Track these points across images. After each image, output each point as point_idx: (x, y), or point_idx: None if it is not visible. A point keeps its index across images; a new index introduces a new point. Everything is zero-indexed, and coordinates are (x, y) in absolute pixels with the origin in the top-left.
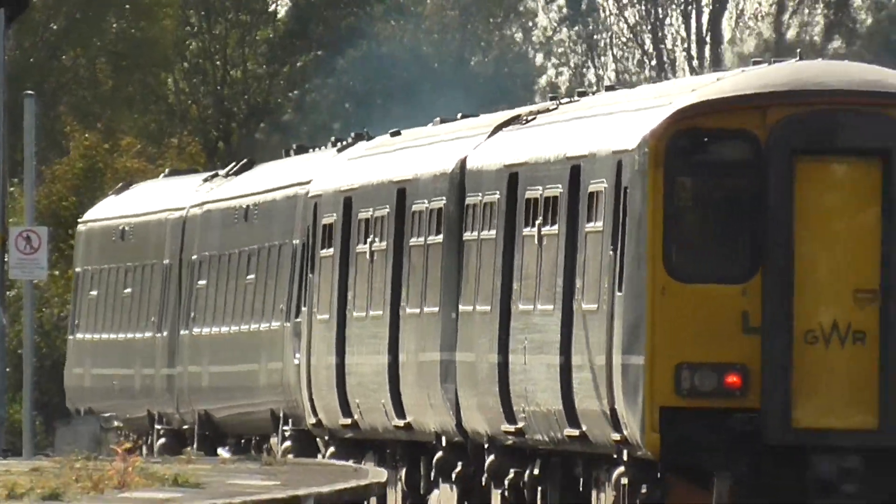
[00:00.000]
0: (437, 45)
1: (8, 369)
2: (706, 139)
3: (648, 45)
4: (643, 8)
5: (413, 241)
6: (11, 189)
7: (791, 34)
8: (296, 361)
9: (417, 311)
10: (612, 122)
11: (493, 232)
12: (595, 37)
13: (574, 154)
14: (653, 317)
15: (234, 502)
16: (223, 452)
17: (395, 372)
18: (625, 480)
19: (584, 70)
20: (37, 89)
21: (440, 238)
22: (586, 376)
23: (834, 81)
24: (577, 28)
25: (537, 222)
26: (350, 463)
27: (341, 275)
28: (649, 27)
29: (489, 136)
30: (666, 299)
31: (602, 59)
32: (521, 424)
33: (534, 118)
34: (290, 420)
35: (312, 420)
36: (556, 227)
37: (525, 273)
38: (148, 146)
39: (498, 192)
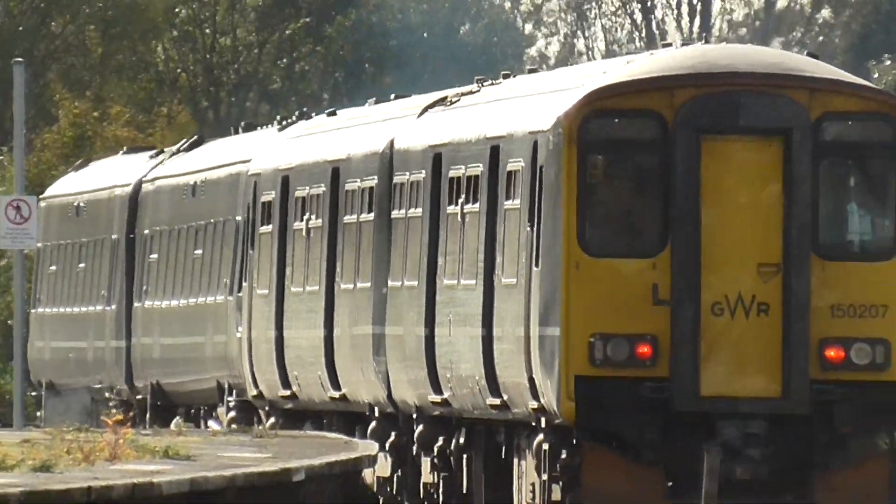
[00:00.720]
0: (427, 13)
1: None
2: (616, 119)
3: (638, 16)
4: None
5: (346, 218)
6: (0, 158)
7: (781, 4)
8: (238, 334)
9: (351, 286)
10: (530, 104)
11: (420, 210)
12: (584, 7)
13: (493, 134)
14: (567, 290)
15: (225, 475)
16: (214, 425)
17: (331, 345)
18: (545, 447)
19: (574, 40)
20: (26, 56)
21: (371, 216)
22: (506, 347)
23: (738, 64)
24: None
25: (460, 200)
26: (342, 436)
27: (279, 251)
28: None
29: (417, 117)
30: (580, 273)
31: (591, 29)
32: (446, 395)
33: (458, 100)
34: (234, 391)
35: (254, 391)
36: (477, 204)
37: (449, 249)
38: (138, 115)
39: (423, 172)
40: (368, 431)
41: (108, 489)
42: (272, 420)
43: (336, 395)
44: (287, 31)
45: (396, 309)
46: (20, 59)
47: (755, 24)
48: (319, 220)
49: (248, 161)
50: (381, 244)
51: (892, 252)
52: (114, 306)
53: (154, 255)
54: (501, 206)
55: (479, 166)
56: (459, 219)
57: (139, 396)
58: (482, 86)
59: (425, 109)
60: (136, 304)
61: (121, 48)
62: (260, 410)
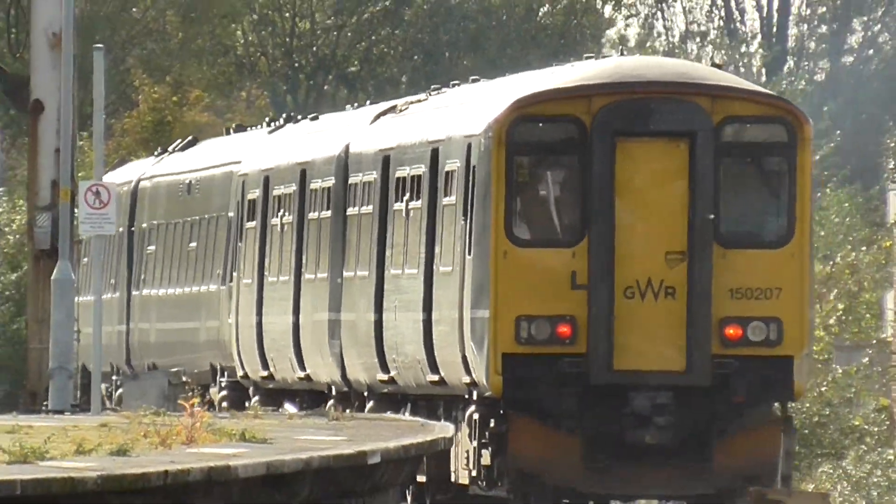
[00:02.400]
0: None
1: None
2: (540, 124)
3: None
4: None
5: (311, 215)
6: (81, 143)
7: None
8: (229, 321)
9: (313, 276)
10: (466, 111)
11: (370, 207)
12: None
13: (434, 138)
14: (496, 277)
15: (301, 457)
16: (290, 407)
17: (297, 330)
18: (475, 417)
19: (654, 21)
20: (106, 42)
21: (329, 213)
22: (443, 329)
23: (649, 74)
24: None
25: (405, 198)
26: (417, 419)
27: (261, 244)
28: None
29: (370, 124)
30: (507, 261)
31: (671, 10)
32: (393, 373)
33: (407, 108)
34: (225, 372)
35: (241, 372)
36: (419, 201)
37: (396, 242)
38: (217, 99)
39: (374, 173)
40: (326, 408)
41: (184, 473)
42: (255, 399)
43: (302, 375)
44: (365, 15)
45: (350, 297)
46: (100, 45)
47: (836, 3)
48: (290, 217)
49: (238, 162)
50: (338, 238)
51: (785, 241)
52: (118, 293)
53: (152, 247)
54: (440, 203)
55: (421, 167)
56: (404, 214)
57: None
58: (430, 95)
59: (377, 116)
60: (134, 293)
61: (200, 33)
62: (249, 389)
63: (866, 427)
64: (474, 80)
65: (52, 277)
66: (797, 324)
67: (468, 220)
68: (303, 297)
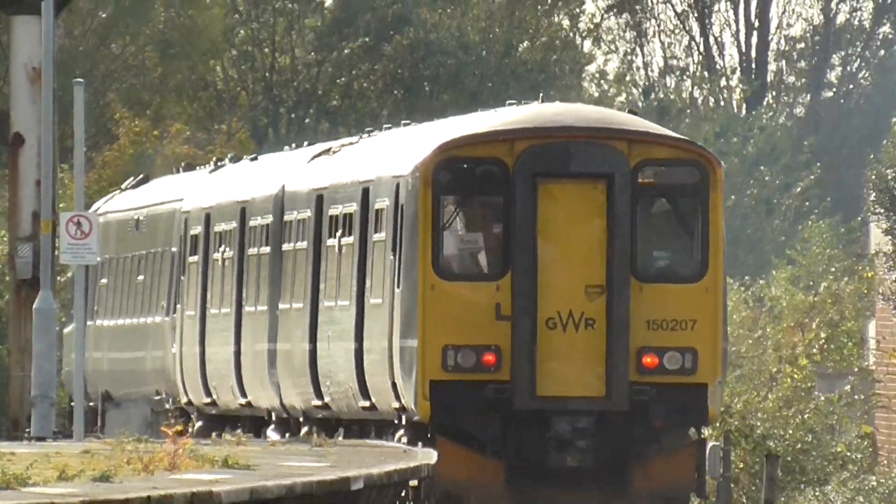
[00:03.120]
0: (485, 31)
1: (58, 353)
2: (465, 165)
3: (696, 32)
4: None
5: (250, 251)
6: (62, 175)
7: (840, 19)
8: (173, 350)
9: (253, 309)
10: (396, 153)
11: (305, 243)
12: (643, 24)
13: (365, 178)
14: (423, 308)
15: (284, 483)
16: (272, 435)
17: (239, 360)
18: (404, 440)
19: (633, 57)
20: (86, 76)
21: (268, 249)
22: (374, 358)
23: (568, 119)
24: (624, 15)
25: (337, 234)
26: (401, 445)
27: (203, 278)
28: (697, 14)
29: (306, 164)
30: (434, 294)
31: (650, 45)
32: (327, 399)
33: (340, 150)
34: (171, 399)
35: (185, 399)
36: (351, 237)
37: (329, 276)
38: (197, 133)
39: (308, 211)
40: (266, 433)
41: (167, 498)
42: (199, 424)
43: (243, 401)
44: (345, 50)
45: (286, 328)
46: (80, 80)
47: (814, 39)
48: (231, 252)
49: (181, 200)
50: (275, 272)
51: (699, 276)
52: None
53: (104, 280)
54: (371, 239)
55: (353, 205)
56: (337, 250)
57: (91, 403)
58: (361, 137)
59: (313, 158)
60: (88, 323)
61: (180, 68)
62: (192, 416)
63: (849, 454)
64: (406, 124)
65: (34, 307)
66: (711, 354)
67: (397, 255)
68: (244, 328)
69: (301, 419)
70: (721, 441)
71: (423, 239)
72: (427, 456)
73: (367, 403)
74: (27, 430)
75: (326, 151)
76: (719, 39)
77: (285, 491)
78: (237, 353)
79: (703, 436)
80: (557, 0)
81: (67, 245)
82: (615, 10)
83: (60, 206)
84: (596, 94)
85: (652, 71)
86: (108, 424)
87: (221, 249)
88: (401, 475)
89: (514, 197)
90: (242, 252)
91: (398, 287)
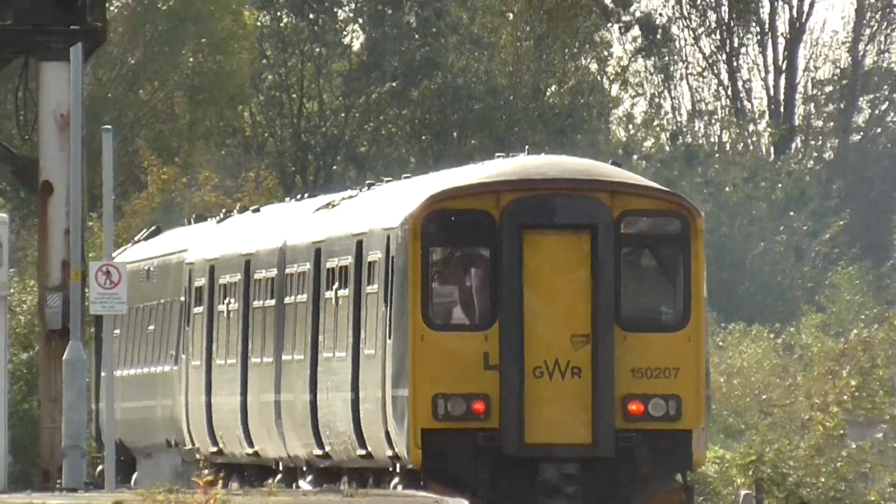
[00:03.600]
0: (512, 76)
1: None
2: (452, 217)
3: (724, 75)
4: (718, 37)
5: (255, 303)
6: (91, 223)
7: (868, 61)
8: (180, 399)
9: (259, 360)
10: (388, 206)
11: (305, 295)
12: (671, 67)
13: (358, 231)
14: (414, 358)
15: None
16: (304, 485)
17: (245, 410)
18: (399, 488)
19: (661, 100)
20: (115, 123)
21: (273, 301)
22: (369, 407)
23: (552, 171)
24: (652, 59)
25: (334, 286)
26: (430, 494)
27: (208, 329)
28: (725, 56)
29: (307, 217)
30: (424, 344)
31: (678, 88)
32: (327, 449)
33: (339, 203)
34: (179, 447)
35: (191, 447)
36: (347, 289)
37: (327, 327)
38: (225, 180)
39: (308, 264)
40: (273, 483)
41: None
42: (205, 472)
43: (250, 451)
44: (373, 96)
45: (289, 378)
46: (109, 126)
47: (841, 83)
48: (236, 304)
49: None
50: (280, 324)
51: (681, 324)
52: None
53: (117, 331)
54: (364, 291)
55: (348, 258)
56: (334, 302)
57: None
58: (360, 191)
59: (315, 211)
60: (102, 373)
61: (208, 114)
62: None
63: (882, 502)
64: (406, 178)
65: (63, 357)
66: (694, 400)
67: (388, 307)
68: (250, 378)
69: (304, 468)
70: (753, 489)
71: (413, 290)
72: None
73: (363, 452)
74: (59, 481)
75: (327, 205)
76: (747, 82)
77: None
78: (244, 404)
79: (687, 481)
80: (585, 44)
81: (97, 295)
82: (643, 53)
83: (90, 255)
84: (623, 138)
85: (680, 115)
86: (139, 474)
87: (226, 301)
88: None
89: (501, 248)
90: (247, 304)
91: (389, 338)
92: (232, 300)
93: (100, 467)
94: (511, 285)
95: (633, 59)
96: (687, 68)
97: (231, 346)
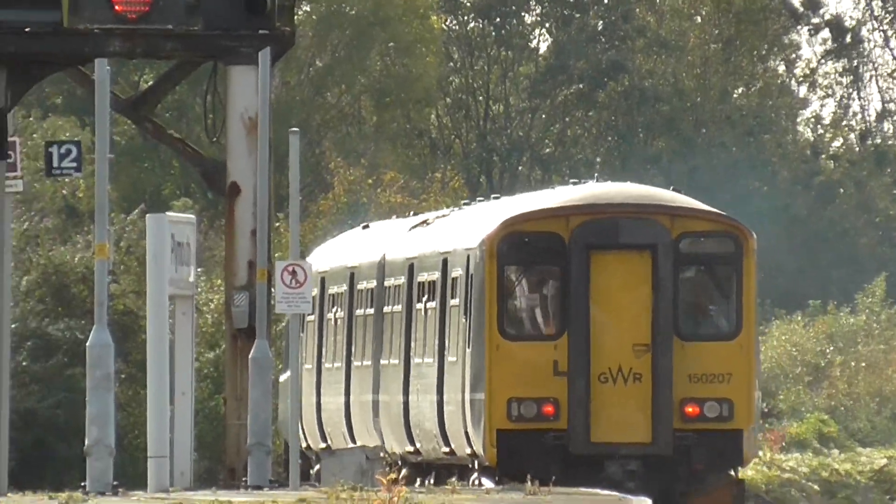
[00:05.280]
0: (700, 78)
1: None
2: (526, 239)
3: None
4: None
5: (358, 311)
6: (277, 224)
7: None
8: None
9: (360, 363)
10: (470, 227)
11: (400, 306)
12: (860, 68)
13: (444, 250)
14: (490, 365)
15: None
16: (487, 482)
17: (349, 409)
18: (477, 483)
19: (849, 102)
20: (302, 126)
21: (372, 310)
22: (451, 409)
23: (617, 197)
24: (842, 61)
25: (424, 299)
26: (615, 493)
27: (318, 335)
28: None
29: (406, 234)
30: (499, 353)
31: (867, 89)
32: (418, 445)
33: (433, 222)
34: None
35: (304, 444)
36: (434, 302)
37: (418, 336)
38: (411, 181)
39: (403, 277)
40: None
41: None
42: (317, 467)
43: (353, 446)
44: (559, 98)
45: (385, 381)
46: (296, 129)
47: None
48: (342, 312)
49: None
50: (378, 332)
51: (734, 335)
52: None
53: None
54: (448, 304)
55: (435, 273)
56: (423, 313)
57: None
58: (453, 211)
59: (412, 228)
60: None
61: (395, 117)
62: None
63: None
64: (495, 198)
65: (250, 356)
66: (745, 403)
67: (468, 319)
68: (353, 381)
69: (399, 462)
70: None
71: (490, 304)
72: (642, 503)
73: (447, 449)
74: (244, 479)
75: (423, 222)
76: None
77: None
78: (346, 403)
79: (739, 476)
80: (773, 46)
81: (282, 294)
82: (832, 56)
83: (276, 255)
84: (811, 139)
85: (868, 115)
86: (323, 473)
87: (334, 310)
88: None
89: (570, 266)
90: (351, 313)
91: (469, 347)
92: (338, 309)
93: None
94: (579, 300)
95: (821, 61)
96: (876, 70)
97: (337, 351)
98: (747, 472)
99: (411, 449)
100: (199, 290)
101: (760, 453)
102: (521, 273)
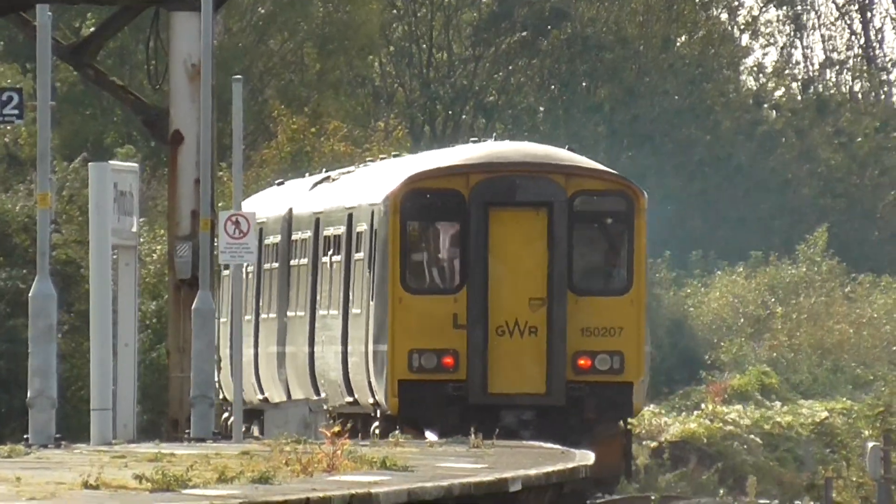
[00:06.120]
0: (642, 26)
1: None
2: (427, 195)
3: (857, 25)
4: None
5: (265, 265)
6: (220, 173)
7: None
8: None
9: (267, 316)
10: (374, 183)
11: (306, 259)
12: (802, 17)
13: (349, 205)
14: (392, 317)
15: (442, 485)
16: (430, 435)
17: (256, 361)
18: (377, 431)
19: (791, 49)
20: (244, 73)
21: (277, 264)
22: (355, 360)
23: (514, 155)
24: (784, 8)
25: (329, 253)
26: (558, 446)
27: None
28: (857, 6)
29: (310, 190)
30: (402, 305)
31: (810, 38)
32: (323, 395)
33: (338, 178)
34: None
35: (221, 396)
36: (339, 256)
37: (323, 289)
38: (354, 130)
39: (309, 231)
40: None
41: (326, 500)
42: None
43: (261, 397)
44: (502, 46)
45: (292, 333)
46: (238, 77)
47: None
48: (251, 267)
49: None
50: (283, 285)
51: (625, 290)
52: None
53: None
54: (353, 258)
55: (341, 228)
56: (329, 266)
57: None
58: (357, 167)
59: (315, 184)
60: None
61: (337, 64)
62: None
63: None
64: (395, 156)
65: (192, 307)
66: (635, 356)
67: (372, 272)
68: (260, 333)
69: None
70: (881, 441)
71: (392, 258)
72: (585, 457)
73: (350, 399)
74: (187, 431)
75: (327, 179)
76: (880, 32)
77: (443, 493)
78: (255, 356)
79: (629, 427)
80: None
81: (226, 244)
82: (774, 3)
83: (219, 205)
84: (754, 88)
85: (811, 64)
86: (266, 425)
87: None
88: (559, 476)
89: (469, 223)
90: (259, 266)
91: (372, 300)
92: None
93: (224, 415)
94: (477, 255)
95: (763, 9)
96: (819, 18)
97: (249, 304)
98: (689, 426)
99: (315, 398)
100: (142, 239)
101: (703, 406)
102: (423, 228)
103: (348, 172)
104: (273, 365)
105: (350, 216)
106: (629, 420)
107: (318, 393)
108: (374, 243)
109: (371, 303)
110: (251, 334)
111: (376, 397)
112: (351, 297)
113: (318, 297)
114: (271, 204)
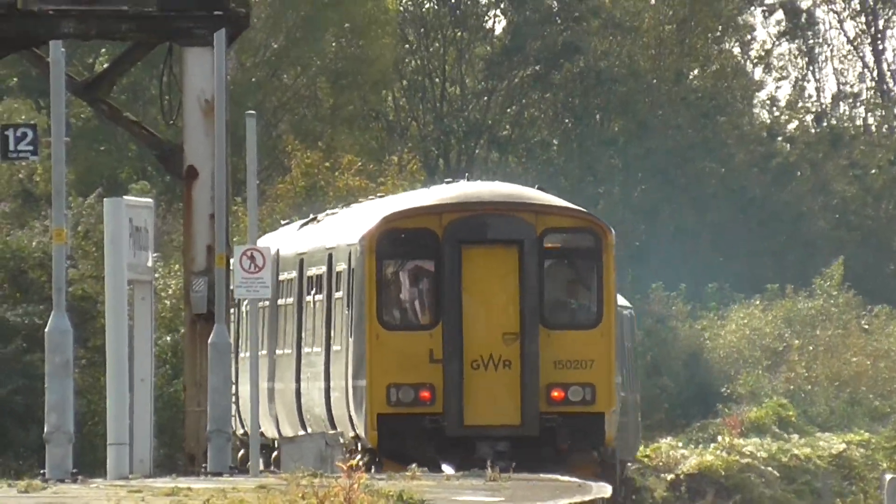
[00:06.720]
0: (655, 59)
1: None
2: (402, 235)
3: (869, 57)
4: (863, 20)
5: (260, 304)
6: (235, 208)
7: None
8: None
9: (263, 353)
10: (352, 224)
11: (292, 299)
12: (815, 50)
13: (329, 245)
14: (370, 353)
15: None
16: (447, 468)
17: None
18: (361, 463)
19: (805, 83)
20: (258, 108)
21: (268, 304)
22: (337, 395)
23: (486, 195)
24: (796, 42)
25: (312, 292)
26: (575, 479)
27: (237, 327)
28: (869, 39)
29: (297, 231)
30: (379, 342)
31: (822, 71)
32: (309, 430)
33: (323, 219)
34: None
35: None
36: (321, 295)
37: (307, 327)
38: (369, 164)
39: (294, 272)
40: (271, 459)
41: None
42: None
43: (262, 430)
44: (515, 80)
45: (281, 369)
46: (252, 111)
47: None
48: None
49: None
50: (273, 324)
51: (595, 323)
52: None
53: None
54: (333, 296)
55: (322, 268)
56: (312, 305)
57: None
58: (341, 209)
59: (302, 225)
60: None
61: (351, 99)
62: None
63: None
64: (381, 196)
65: (209, 341)
66: (606, 388)
67: (351, 310)
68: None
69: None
70: None
71: (369, 296)
72: (601, 490)
73: (333, 432)
74: (204, 465)
75: (314, 220)
76: (892, 64)
77: None
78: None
79: (601, 457)
80: (728, 27)
81: (241, 279)
82: (787, 37)
83: (234, 240)
84: (767, 121)
85: (824, 97)
86: (283, 459)
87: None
88: None
89: (443, 260)
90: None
91: (351, 336)
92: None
93: (241, 451)
94: (451, 292)
95: (776, 42)
96: (831, 51)
97: (245, 342)
98: (706, 458)
99: (302, 433)
100: (157, 275)
101: (720, 438)
102: (399, 267)
103: (332, 214)
104: (265, 401)
105: (330, 256)
106: (639, 454)
107: (304, 428)
108: (352, 282)
109: (350, 339)
110: (246, 371)
111: (357, 431)
112: (332, 335)
113: (303, 335)
114: (269, 244)
